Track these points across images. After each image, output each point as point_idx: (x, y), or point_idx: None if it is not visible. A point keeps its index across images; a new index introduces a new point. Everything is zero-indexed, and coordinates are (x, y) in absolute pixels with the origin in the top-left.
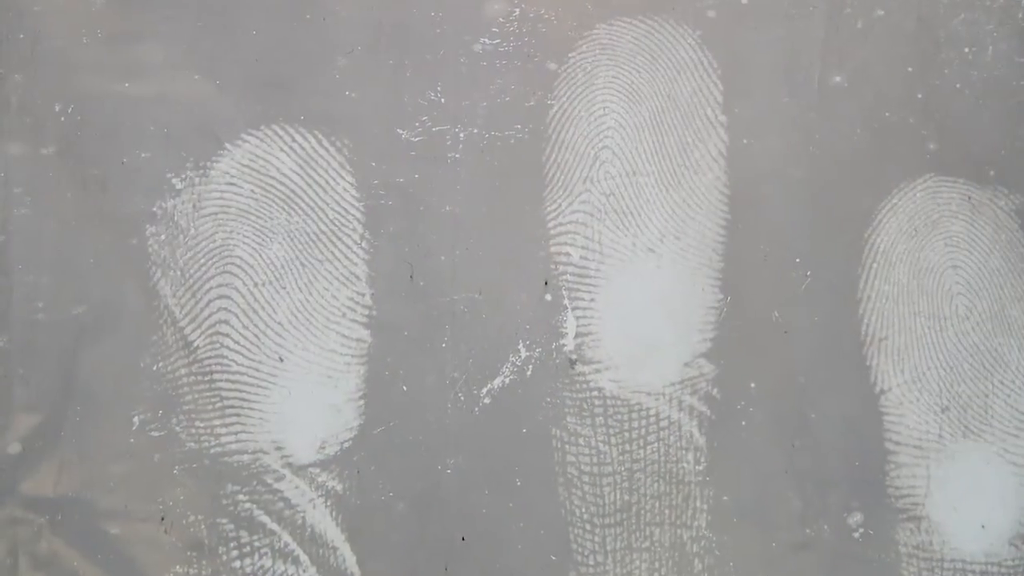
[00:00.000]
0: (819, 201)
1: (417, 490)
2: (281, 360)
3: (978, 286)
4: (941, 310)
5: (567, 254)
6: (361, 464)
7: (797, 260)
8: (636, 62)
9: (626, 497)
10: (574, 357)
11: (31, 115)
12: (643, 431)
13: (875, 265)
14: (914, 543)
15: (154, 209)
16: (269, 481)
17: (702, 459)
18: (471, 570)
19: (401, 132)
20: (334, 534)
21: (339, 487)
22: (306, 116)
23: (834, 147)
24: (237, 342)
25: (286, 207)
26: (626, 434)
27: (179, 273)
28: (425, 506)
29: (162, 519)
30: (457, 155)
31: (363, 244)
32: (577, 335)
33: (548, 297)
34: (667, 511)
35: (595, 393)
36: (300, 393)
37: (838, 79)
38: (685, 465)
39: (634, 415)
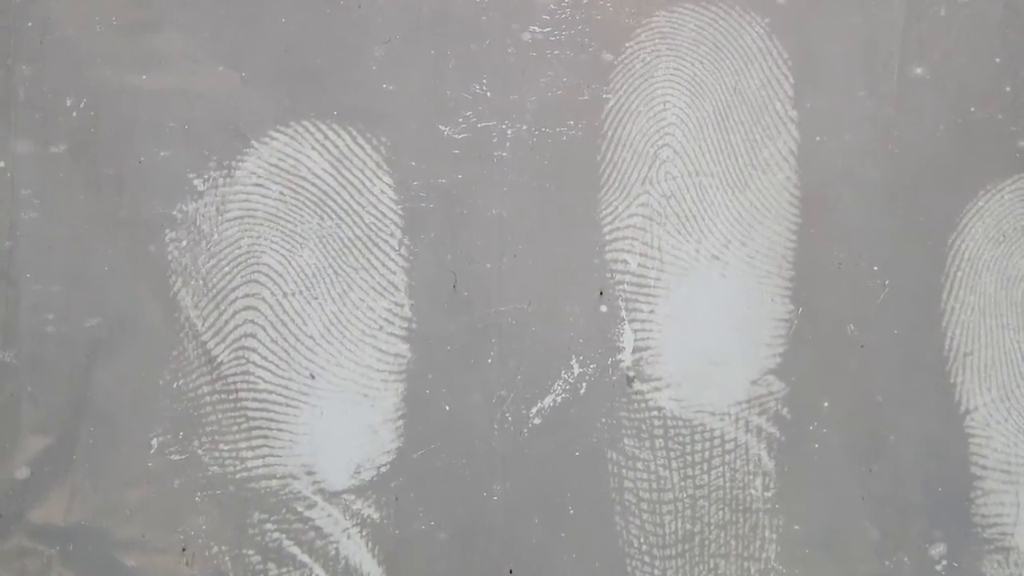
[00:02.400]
0: (898, 204)
1: (460, 518)
2: (312, 377)
3: None
4: None
5: (624, 261)
6: (400, 490)
7: (874, 268)
8: (699, 52)
9: (688, 526)
10: (632, 374)
11: (40, 110)
12: (707, 454)
13: (959, 274)
14: None
15: (174, 212)
16: (299, 509)
17: (771, 485)
18: None
19: (443, 129)
20: (370, 567)
21: (376, 515)
22: (339, 111)
23: (914, 145)
24: (265, 357)
25: (318, 210)
26: (688, 458)
27: (201, 282)
28: (469, 536)
29: (183, 550)
30: (504, 154)
31: (402, 251)
32: (635, 350)
33: (603, 308)
34: (733, 541)
35: (654, 413)
36: (333, 413)
37: (919, 71)
38: (752, 491)
39: (697, 437)
